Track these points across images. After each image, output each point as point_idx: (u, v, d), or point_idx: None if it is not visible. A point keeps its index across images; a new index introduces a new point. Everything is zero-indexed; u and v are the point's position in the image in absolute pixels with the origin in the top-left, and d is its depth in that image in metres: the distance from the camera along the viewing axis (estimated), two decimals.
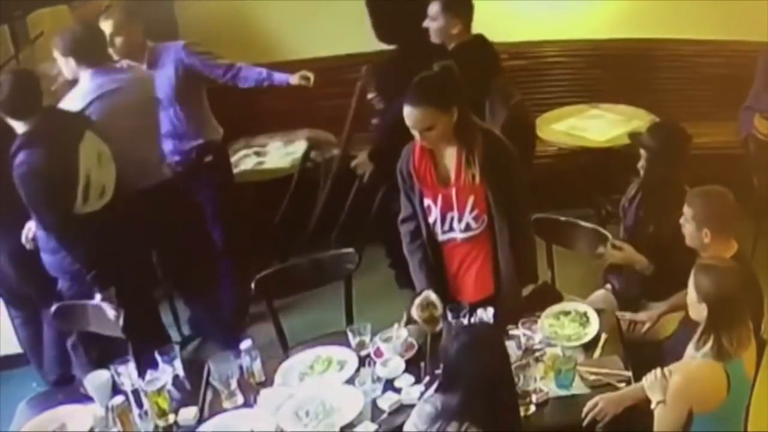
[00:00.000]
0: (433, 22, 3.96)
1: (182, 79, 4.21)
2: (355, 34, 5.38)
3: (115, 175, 3.65)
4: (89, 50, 3.77)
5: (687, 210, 3.10)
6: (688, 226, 3.11)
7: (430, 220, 3.27)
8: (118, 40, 4.08)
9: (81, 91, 3.78)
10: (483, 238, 3.25)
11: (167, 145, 4.29)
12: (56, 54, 3.82)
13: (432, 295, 3.24)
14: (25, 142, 3.48)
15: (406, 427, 2.65)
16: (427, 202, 3.25)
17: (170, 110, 4.25)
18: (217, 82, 4.33)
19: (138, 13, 4.18)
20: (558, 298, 3.52)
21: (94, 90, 3.76)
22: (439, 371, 2.71)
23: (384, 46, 5.02)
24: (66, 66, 3.81)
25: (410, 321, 3.29)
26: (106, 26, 4.06)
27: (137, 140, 3.84)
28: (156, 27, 4.49)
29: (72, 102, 3.76)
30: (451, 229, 3.25)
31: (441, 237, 3.28)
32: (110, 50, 4.09)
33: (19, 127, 3.49)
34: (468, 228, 3.23)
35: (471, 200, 3.17)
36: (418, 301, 3.24)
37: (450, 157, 3.18)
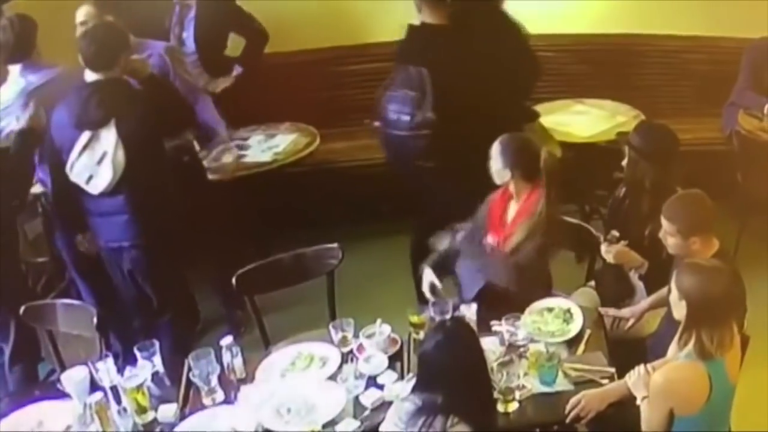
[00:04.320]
0: None
1: None
2: (337, 28, 5.39)
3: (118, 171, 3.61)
4: (13, 46, 3.80)
5: (667, 225, 3.03)
6: (671, 240, 3.05)
7: None
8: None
9: (11, 87, 3.88)
10: None
11: None
12: None
13: None
14: None
15: (384, 427, 2.63)
16: None
17: None
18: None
19: (113, 6, 4.11)
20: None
21: (22, 89, 3.85)
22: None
23: (365, 39, 5.02)
24: None
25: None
26: (80, 14, 4.03)
27: None
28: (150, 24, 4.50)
29: (3, 96, 3.86)
30: None
31: None
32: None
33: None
34: None
35: None
36: None
37: None
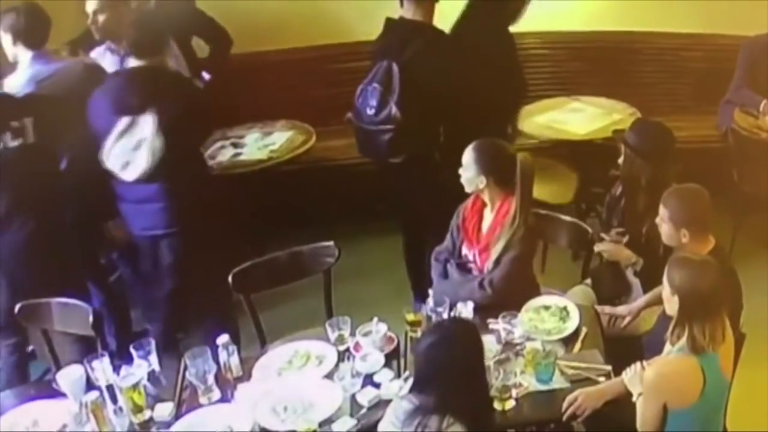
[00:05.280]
0: None
1: None
2: (333, 26, 5.38)
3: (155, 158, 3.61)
4: (30, 31, 3.76)
5: (663, 211, 3.10)
6: (665, 227, 3.11)
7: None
8: (101, 18, 4.03)
9: (20, 75, 3.82)
10: None
11: None
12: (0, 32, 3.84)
13: None
14: None
15: (381, 426, 2.63)
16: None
17: None
18: None
19: None
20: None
21: (31, 77, 3.79)
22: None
23: (362, 37, 5.01)
24: (6, 44, 3.82)
25: None
26: (91, 3, 4.01)
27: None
28: None
29: (11, 88, 3.80)
30: None
31: None
32: (91, 28, 4.06)
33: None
34: None
35: None
36: None
37: None
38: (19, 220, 3.60)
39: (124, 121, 3.57)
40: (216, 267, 3.71)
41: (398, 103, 3.91)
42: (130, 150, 3.58)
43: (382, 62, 3.98)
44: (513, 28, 4.17)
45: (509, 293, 3.33)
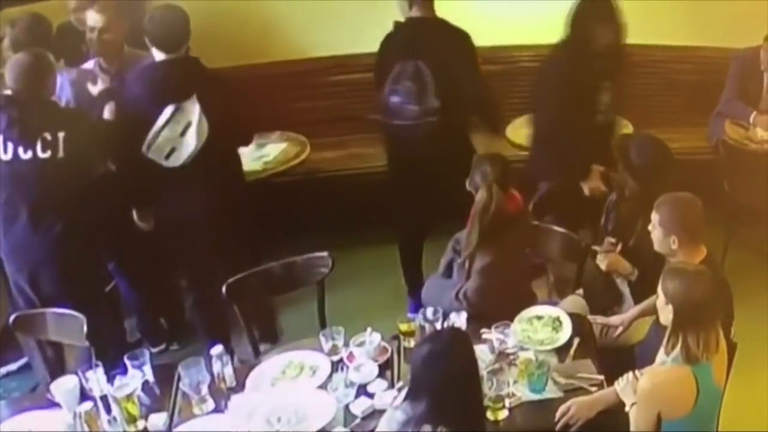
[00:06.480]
0: None
1: None
2: (326, 36, 5.40)
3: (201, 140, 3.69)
4: (29, 44, 3.75)
5: (654, 216, 3.12)
6: (655, 232, 3.13)
7: None
8: (106, 37, 4.02)
9: None
10: None
11: None
12: (6, 44, 3.86)
13: None
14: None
15: None
16: None
17: None
18: None
19: (126, 15, 4.13)
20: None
21: None
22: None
23: (357, 50, 5.03)
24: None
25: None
26: (97, 20, 4.00)
27: None
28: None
29: None
30: None
31: None
32: (91, 43, 4.05)
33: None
34: None
35: None
36: None
37: None
38: (46, 224, 3.62)
39: (169, 109, 3.65)
40: (242, 263, 3.73)
41: (437, 95, 4.03)
42: (177, 136, 3.67)
43: (405, 62, 4.06)
44: (506, 41, 4.20)
45: (491, 307, 3.36)
